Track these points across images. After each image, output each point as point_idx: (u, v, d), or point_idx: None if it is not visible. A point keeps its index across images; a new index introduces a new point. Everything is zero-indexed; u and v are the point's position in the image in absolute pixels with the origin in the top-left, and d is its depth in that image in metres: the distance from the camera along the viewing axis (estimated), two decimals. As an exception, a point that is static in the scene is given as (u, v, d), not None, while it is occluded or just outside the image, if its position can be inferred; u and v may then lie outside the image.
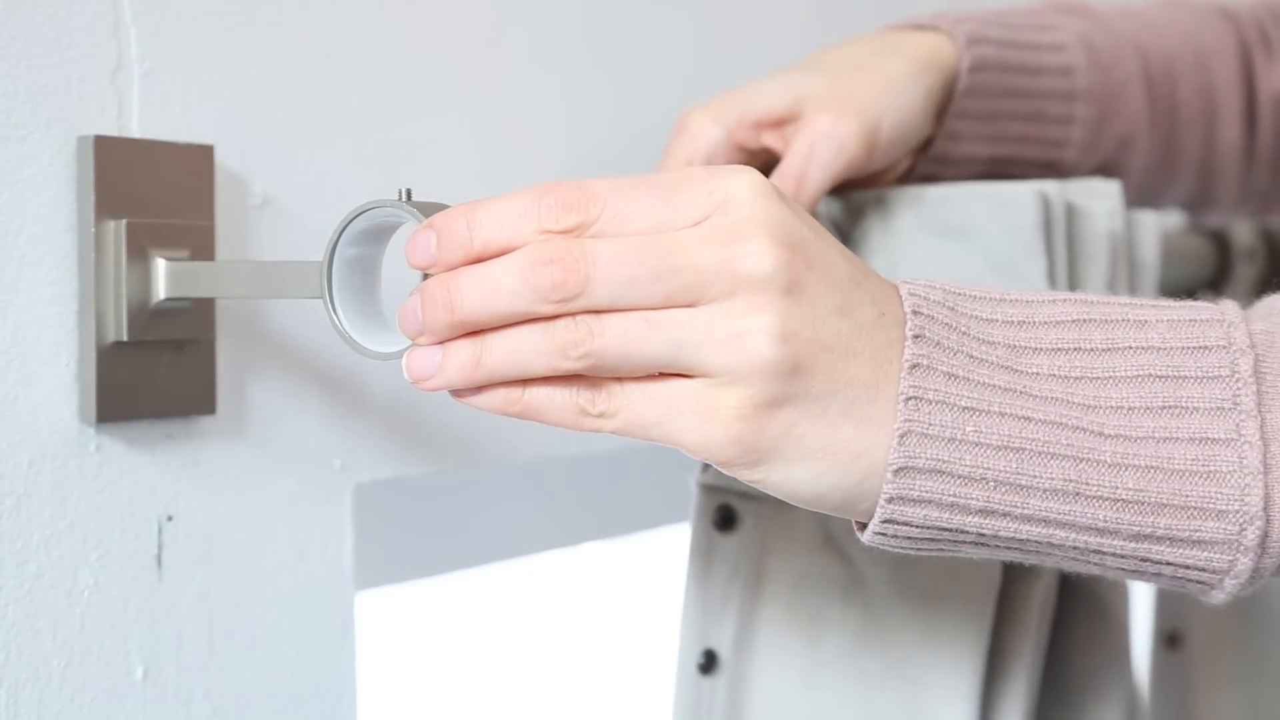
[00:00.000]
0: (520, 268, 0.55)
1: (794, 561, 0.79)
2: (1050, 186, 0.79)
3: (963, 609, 0.77)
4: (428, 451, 0.83)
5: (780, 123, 0.79)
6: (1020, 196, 0.78)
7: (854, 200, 0.82)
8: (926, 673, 0.77)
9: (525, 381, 0.56)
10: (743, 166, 0.57)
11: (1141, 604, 1.27)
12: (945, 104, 0.84)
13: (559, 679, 1.21)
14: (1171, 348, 0.58)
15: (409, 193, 0.59)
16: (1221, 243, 1.12)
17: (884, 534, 0.58)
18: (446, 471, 0.85)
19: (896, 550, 0.59)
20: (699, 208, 0.55)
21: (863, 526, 0.60)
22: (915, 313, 0.57)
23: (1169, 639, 1.21)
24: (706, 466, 0.79)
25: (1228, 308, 0.60)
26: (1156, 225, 0.85)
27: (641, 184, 0.56)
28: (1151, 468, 0.57)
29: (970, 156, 0.86)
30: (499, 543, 1.13)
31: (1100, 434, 0.57)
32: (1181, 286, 1.08)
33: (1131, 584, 0.89)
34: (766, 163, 0.80)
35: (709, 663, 0.80)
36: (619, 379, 0.56)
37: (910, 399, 0.56)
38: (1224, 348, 0.58)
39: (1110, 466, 0.56)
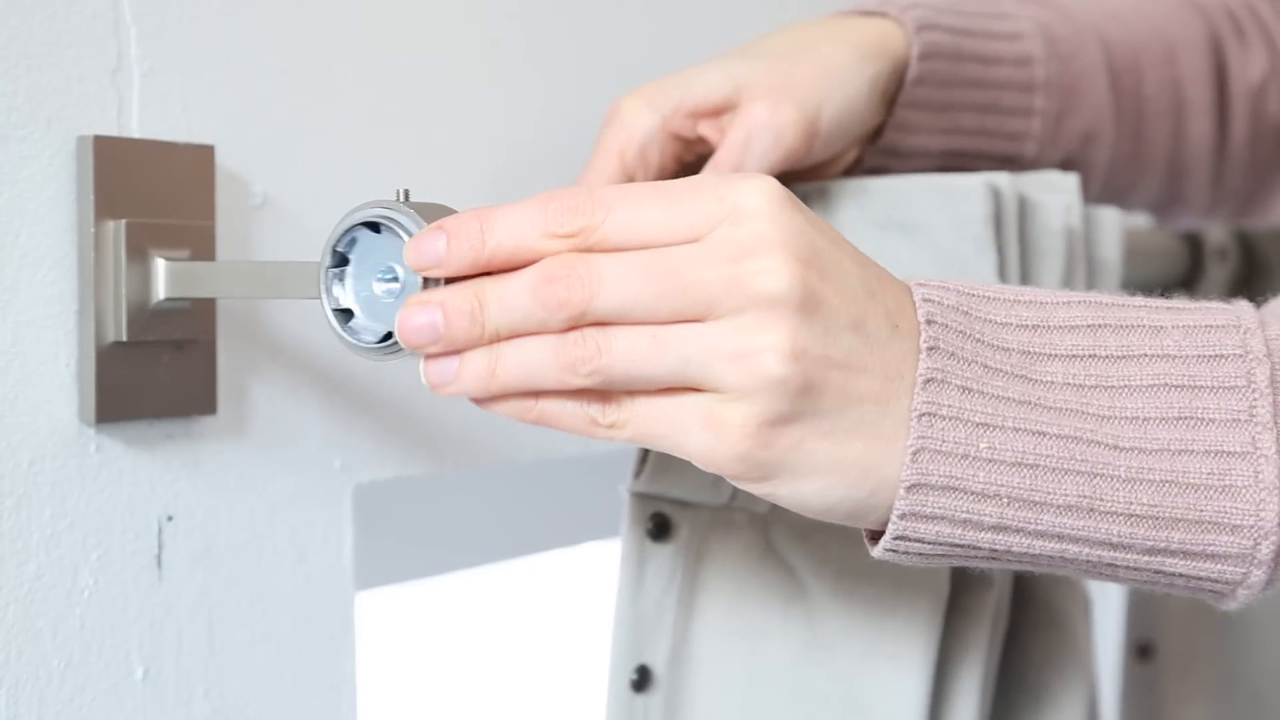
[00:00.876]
0: (531, 285, 0.55)
1: (732, 572, 0.76)
2: (1002, 179, 0.76)
3: (910, 621, 0.74)
4: (428, 451, 0.83)
5: (717, 111, 0.76)
6: (969, 188, 0.75)
7: (796, 192, 0.78)
8: (872, 688, 0.74)
9: (539, 392, 0.56)
10: (755, 173, 0.57)
11: (1112, 614, 1.26)
12: (895, 93, 0.80)
13: (558, 679, 1.21)
14: (1187, 356, 0.57)
15: (407, 193, 0.59)
16: (1193, 241, 1.09)
17: (896, 550, 0.58)
18: (446, 471, 0.85)
19: (908, 565, 0.59)
20: (707, 216, 0.55)
21: (873, 538, 0.59)
22: (929, 322, 0.56)
23: (1140, 650, 1.18)
24: (639, 473, 0.77)
25: (1244, 311, 0.59)
26: (1118, 221, 0.82)
27: (649, 190, 0.56)
28: (1166, 482, 0.56)
29: (922, 149, 0.82)
30: (499, 543, 1.13)
31: (1115, 447, 0.56)
32: (1151, 286, 1.05)
33: (1095, 593, 0.87)
34: (702, 153, 0.77)
35: (643, 679, 0.76)
36: (629, 391, 0.56)
37: (924, 415, 0.55)
38: (1240, 356, 0.57)
39: (1125, 481, 0.56)
